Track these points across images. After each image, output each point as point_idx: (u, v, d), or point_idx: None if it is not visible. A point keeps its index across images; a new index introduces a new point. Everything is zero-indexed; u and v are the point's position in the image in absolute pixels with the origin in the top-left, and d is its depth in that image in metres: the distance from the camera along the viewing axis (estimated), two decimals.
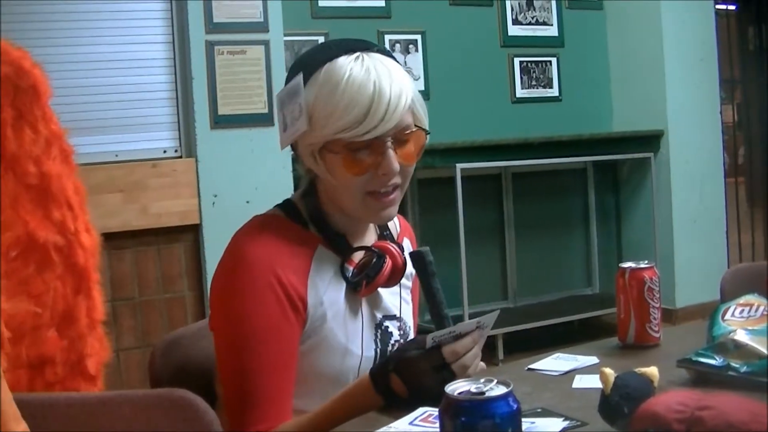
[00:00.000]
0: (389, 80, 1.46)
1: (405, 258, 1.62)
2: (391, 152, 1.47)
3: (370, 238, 1.67)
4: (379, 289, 1.63)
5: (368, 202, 1.52)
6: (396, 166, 1.48)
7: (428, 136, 1.56)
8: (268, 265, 1.48)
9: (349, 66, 1.47)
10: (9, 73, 1.94)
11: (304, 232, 1.57)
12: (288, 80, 1.55)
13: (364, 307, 1.61)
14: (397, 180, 1.52)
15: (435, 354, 1.34)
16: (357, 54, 1.49)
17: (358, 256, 1.60)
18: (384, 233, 1.69)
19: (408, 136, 1.50)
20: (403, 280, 1.68)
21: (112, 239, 3.25)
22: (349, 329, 1.57)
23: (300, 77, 1.49)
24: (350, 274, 1.57)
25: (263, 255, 1.50)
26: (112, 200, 3.92)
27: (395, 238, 1.72)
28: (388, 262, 1.57)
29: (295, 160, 1.61)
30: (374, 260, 1.57)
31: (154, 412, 1.40)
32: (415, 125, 1.52)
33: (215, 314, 1.57)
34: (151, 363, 1.76)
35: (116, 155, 4.04)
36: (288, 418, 1.49)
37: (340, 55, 1.49)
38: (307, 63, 1.52)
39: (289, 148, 1.58)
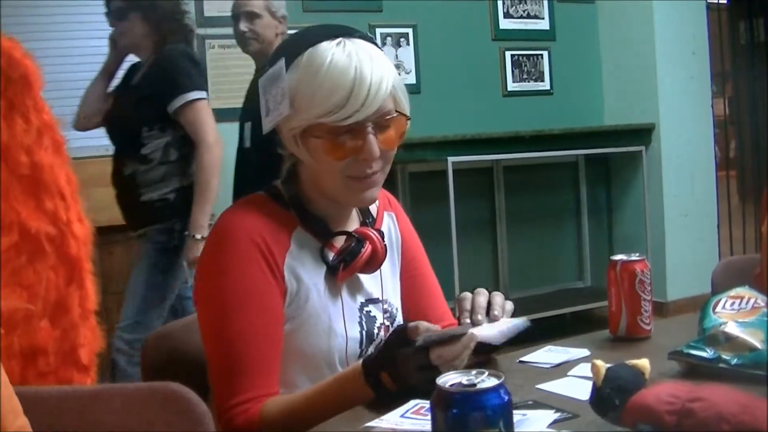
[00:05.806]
0: (370, 65, 1.47)
1: (385, 245, 1.63)
2: (371, 137, 1.49)
3: (352, 225, 1.68)
4: (359, 275, 1.64)
5: (350, 184, 1.54)
6: (376, 150, 1.50)
7: (409, 122, 1.57)
8: (249, 232, 1.51)
9: (331, 51, 1.48)
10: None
11: (284, 213, 1.59)
12: (270, 66, 1.56)
13: (344, 291, 1.62)
14: (377, 165, 1.54)
15: (422, 355, 1.34)
16: (339, 39, 1.51)
17: (339, 241, 1.61)
18: (366, 220, 1.70)
19: (389, 121, 1.52)
20: (389, 266, 1.71)
21: (103, 233, 3.24)
22: (331, 311, 1.58)
23: (282, 62, 1.51)
24: (330, 259, 1.58)
25: (246, 224, 1.53)
26: (102, 194, 3.88)
27: (375, 224, 1.72)
28: (367, 248, 1.59)
29: (278, 144, 1.62)
30: (353, 245, 1.58)
31: (147, 405, 1.41)
32: (396, 111, 1.53)
33: (199, 286, 1.58)
34: (143, 356, 1.76)
35: (107, 149, 4.02)
36: (275, 390, 1.50)
37: (323, 41, 1.50)
38: (290, 48, 1.54)
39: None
